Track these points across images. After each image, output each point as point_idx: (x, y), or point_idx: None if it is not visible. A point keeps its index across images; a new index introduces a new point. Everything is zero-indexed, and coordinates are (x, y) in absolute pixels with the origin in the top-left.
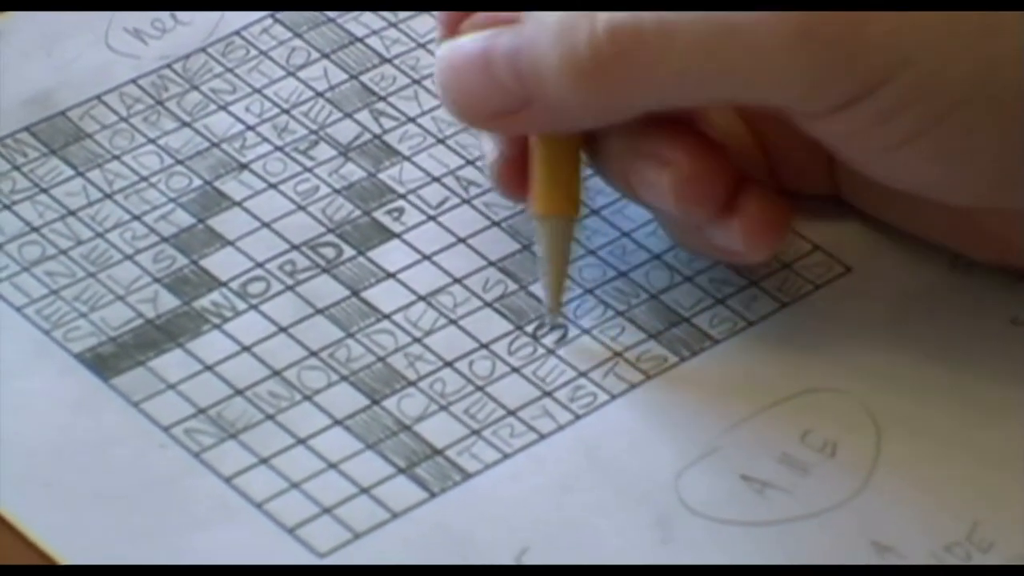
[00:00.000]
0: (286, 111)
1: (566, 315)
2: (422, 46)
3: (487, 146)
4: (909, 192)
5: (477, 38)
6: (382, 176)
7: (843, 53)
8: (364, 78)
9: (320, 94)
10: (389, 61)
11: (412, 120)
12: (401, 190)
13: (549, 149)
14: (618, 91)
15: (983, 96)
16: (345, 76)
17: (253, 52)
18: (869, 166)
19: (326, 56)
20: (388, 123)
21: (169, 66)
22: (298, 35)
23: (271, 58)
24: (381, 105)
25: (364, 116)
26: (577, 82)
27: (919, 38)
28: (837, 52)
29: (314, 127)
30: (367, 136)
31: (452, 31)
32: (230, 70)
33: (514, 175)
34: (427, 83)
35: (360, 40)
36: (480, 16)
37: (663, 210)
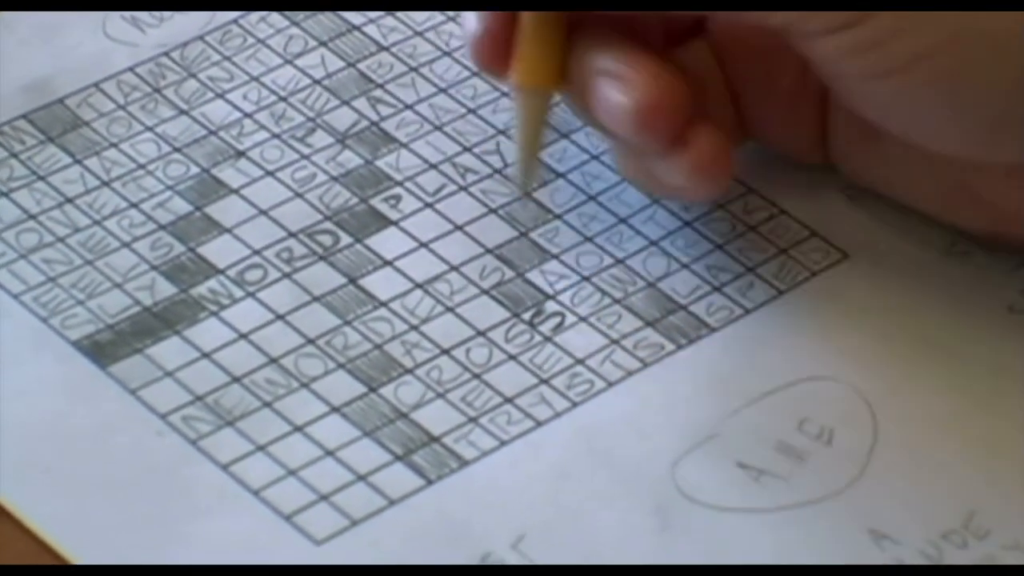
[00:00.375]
0: (283, 99)
1: (534, 198)
2: (419, 34)
3: (469, 22)
4: (900, 138)
5: None
6: (379, 163)
7: None
8: (361, 66)
9: (317, 82)
10: (386, 49)
11: (409, 107)
12: (398, 177)
13: (535, 19)
14: None
15: (977, 31)
16: (342, 64)
17: (250, 40)
18: (860, 97)
19: (323, 44)
20: (385, 110)
21: (167, 54)
22: (295, 23)
23: (268, 46)
24: (378, 92)
25: (361, 103)
26: None
27: None
28: None
29: (311, 115)
30: (364, 123)
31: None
32: (227, 58)
33: (496, 50)
34: (424, 71)
35: (357, 28)
36: None
37: (616, 135)
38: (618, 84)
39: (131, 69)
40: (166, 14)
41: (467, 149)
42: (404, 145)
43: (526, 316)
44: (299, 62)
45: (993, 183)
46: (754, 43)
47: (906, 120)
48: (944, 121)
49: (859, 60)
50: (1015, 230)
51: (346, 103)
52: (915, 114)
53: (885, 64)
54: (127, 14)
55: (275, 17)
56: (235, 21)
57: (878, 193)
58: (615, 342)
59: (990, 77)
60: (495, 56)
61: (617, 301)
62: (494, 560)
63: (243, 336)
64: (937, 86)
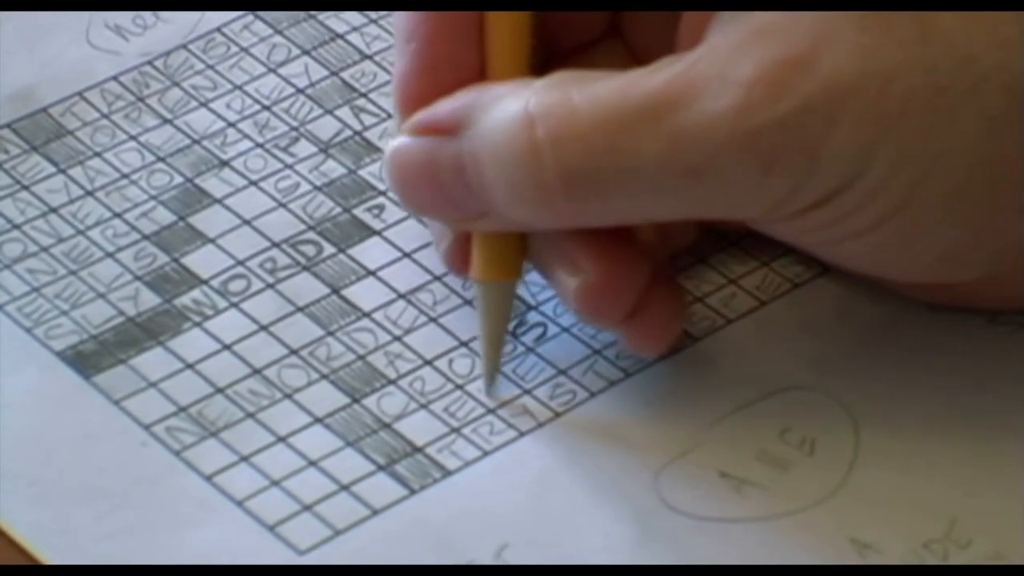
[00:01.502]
0: (267, 108)
1: (498, 389)
2: None
3: (436, 230)
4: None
5: (422, 145)
6: (362, 173)
7: (809, 167)
8: (345, 74)
9: (301, 90)
10: (370, 57)
11: (391, 116)
12: (381, 187)
13: None
14: (570, 219)
15: (928, 195)
16: (326, 72)
17: (234, 49)
18: (816, 251)
19: (307, 52)
20: (369, 119)
21: (150, 63)
22: (279, 32)
23: (252, 55)
24: (361, 101)
25: (345, 112)
26: (528, 210)
27: (882, 136)
28: (802, 169)
29: (295, 124)
30: (347, 132)
31: (407, 113)
32: (211, 67)
33: (460, 252)
34: None
35: (341, 36)
36: (420, 118)
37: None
38: (567, 267)
39: (115, 78)
40: (149, 22)
41: None
42: None
43: (509, 327)
44: (282, 71)
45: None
46: None
47: (864, 265)
48: (903, 262)
49: (824, 233)
50: (966, 297)
51: (329, 112)
52: (874, 260)
53: (852, 229)
54: (110, 22)
55: (259, 25)
56: (218, 29)
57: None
58: (597, 352)
59: (951, 219)
60: (460, 260)
61: None
62: None
63: (227, 347)
64: (899, 238)
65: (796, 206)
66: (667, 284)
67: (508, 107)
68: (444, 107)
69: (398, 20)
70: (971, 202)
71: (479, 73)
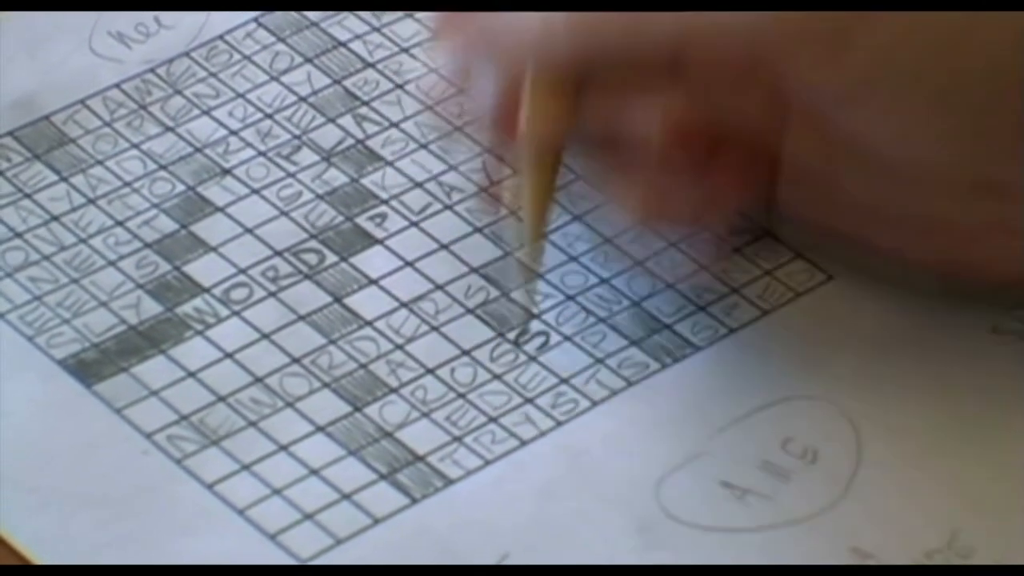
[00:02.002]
0: (269, 116)
1: (541, 258)
2: (405, 51)
3: (480, 89)
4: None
5: None
6: (365, 181)
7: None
8: (347, 83)
9: (303, 99)
10: (372, 66)
11: (395, 125)
12: (384, 195)
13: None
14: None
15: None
16: (328, 81)
17: (236, 56)
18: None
19: (309, 61)
20: (371, 128)
21: (153, 70)
22: (281, 39)
23: (254, 62)
24: (364, 110)
25: (347, 121)
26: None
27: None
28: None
29: (297, 132)
30: (350, 141)
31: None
32: (213, 74)
33: (513, 117)
34: (410, 88)
35: (343, 44)
36: None
37: (644, 161)
38: (650, 97)
39: (117, 86)
40: (152, 30)
41: (452, 167)
42: (390, 163)
43: (511, 335)
44: (285, 79)
45: (952, 202)
46: None
47: (887, 134)
48: (926, 129)
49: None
50: (966, 257)
51: (332, 120)
52: (900, 126)
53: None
54: (113, 30)
55: (261, 33)
56: (221, 37)
57: (827, 244)
58: (600, 361)
59: (982, 88)
60: (507, 122)
61: (602, 320)
62: None
63: (228, 355)
64: (926, 99)
65: None
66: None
67: None
68: None
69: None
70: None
71: None
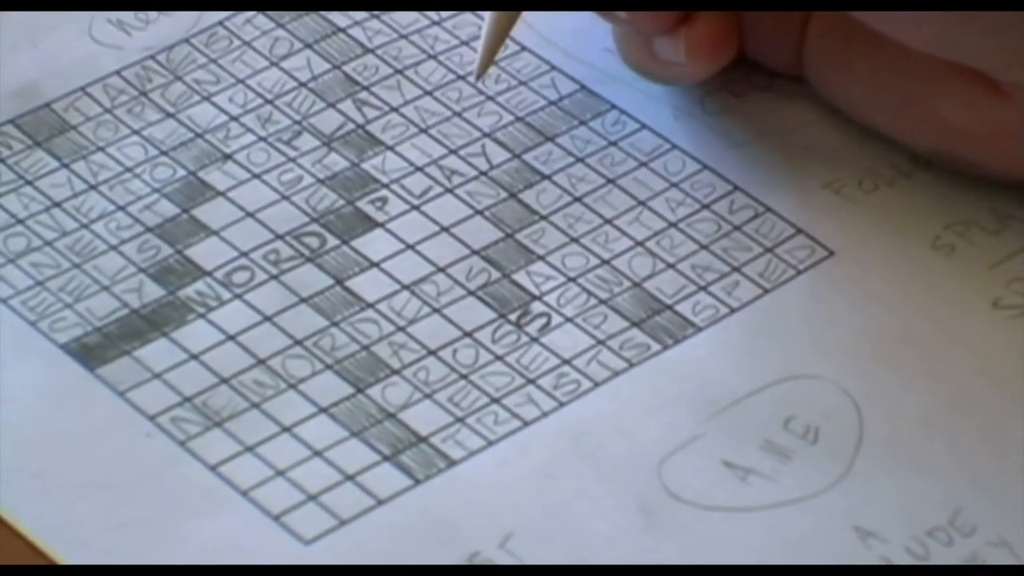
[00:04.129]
0: (269, 101)
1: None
2: (404, 36)
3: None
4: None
5: None
6: (365, 166)
7: None
8: (347, 68)
9: (303, 84)
10: (372, 51)
11: (395, 110)
12: (384, 179)
13: None
14: None
15: None
16: (328, 66)
17: (236, 43)
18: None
19: (309, 46)
20: (371, 113)
21: (153, 57)
22: (281, 25)
23: (254, 48)
24: (364, 95)
25: (347, 106)
26: None
27: None
28: None
29: (297, 117)
30: (350, 126)
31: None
32: (213, 61)
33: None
34: (409, 73)
35: (343, 30)
36: None
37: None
38: None
39: (117, 72)
40: (151, 16)
41: (453, 151)
42: (390, 147)
43: (512, 317)
44: (285, 64)
45: (948, 98)
46: None
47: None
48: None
49: None
50: (959, 149)
51: (332, 106)
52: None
53: None
54: (113, 17)
55: (261, 19)
56: (221, 23)
57: (842, 111)
58: (601, 342)
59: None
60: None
61: (603, 301)
62: (482, 559)
63: (231, 338)
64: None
65: None
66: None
67: None
68: None
69: None
70: None
71: None
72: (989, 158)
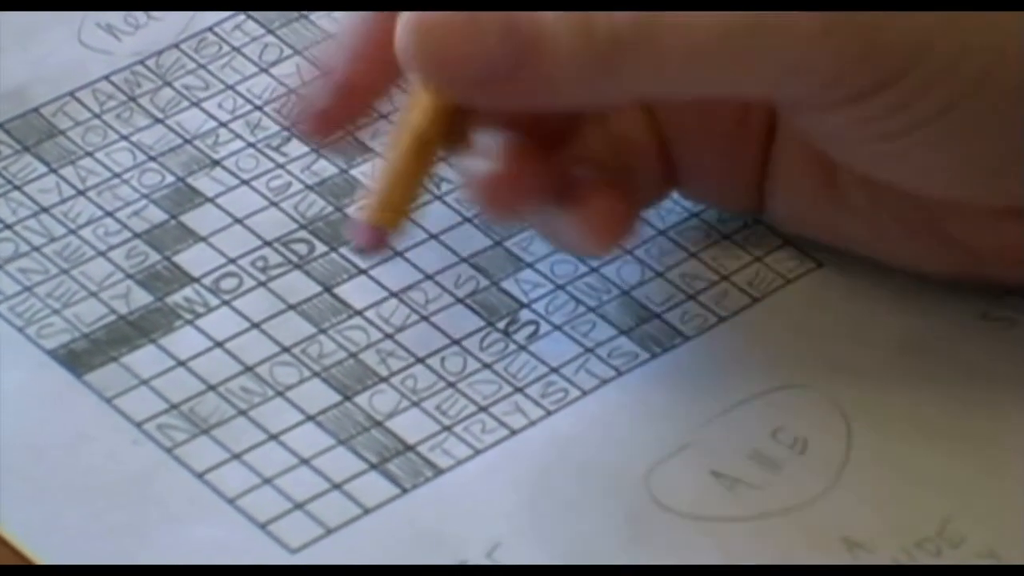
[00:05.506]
0: (258, 108)
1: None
2: None
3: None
4: (889, 183)
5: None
6: (354, 172)
7: (866, 44)
8: None
9: (293, 91)
10: None
11: (384, 116)
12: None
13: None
14: (630, 75)
15: (991, 89)
16: (317, 72)
17: (226, 48)
18: (858, 156)
19: (298, 53)
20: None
21: (142, 62)
22: (270, 31)
23: (244, 54)
24: None
25: None
26: (586, 57)
27: (938, 26)
28: (861, 43)
29: (286, 124)
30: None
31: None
32: (203, 66)
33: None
34: (398, 80)
35: (333, 37)
36: None
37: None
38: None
39: (106, 78)
40: (141, 21)
41: (441, 159)
42: (379, 154)
43: (501, 325)
44: (274, 71)
45: (969, 224)
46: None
47: (901, 172)
48: (943, 171)
49: (869, 127)
50: (984, 272)
51: None
52: (911, 167)
53: (898, 126)
54: (102, 22)
55: (250, 25)
56: (210, 29)
57: (825, 243)
58: (589, 350)
59: (998, 131)
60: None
61: (591, 309)
62: None
63: (218, 344)
64: (944, 142)
65: (851, 88)
66: (604, 184)
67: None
68: None
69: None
70: None
71: None
72: (1016, 272)
